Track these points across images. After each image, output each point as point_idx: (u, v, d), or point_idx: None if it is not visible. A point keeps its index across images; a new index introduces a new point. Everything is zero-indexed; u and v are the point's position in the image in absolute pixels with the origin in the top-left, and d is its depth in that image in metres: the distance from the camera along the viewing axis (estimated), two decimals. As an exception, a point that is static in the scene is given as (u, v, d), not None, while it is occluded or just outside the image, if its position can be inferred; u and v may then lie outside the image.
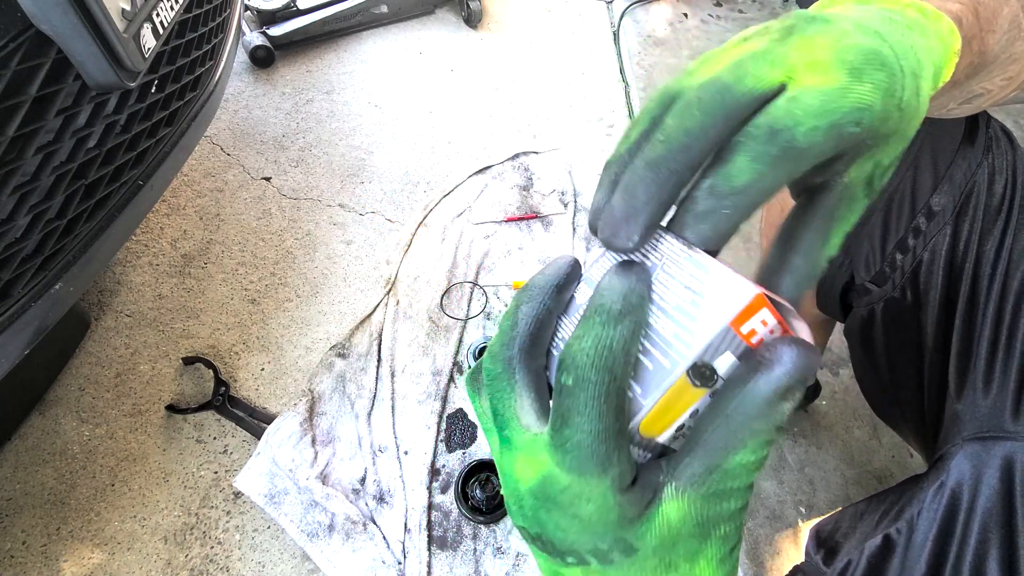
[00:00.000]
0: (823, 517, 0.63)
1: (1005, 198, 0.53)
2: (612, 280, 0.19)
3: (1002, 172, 0.53)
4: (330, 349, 1.01)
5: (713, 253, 0.21)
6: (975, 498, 0.46)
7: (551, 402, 0.20)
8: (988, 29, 0.32)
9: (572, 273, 0.22)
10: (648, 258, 0.21)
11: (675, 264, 0.20)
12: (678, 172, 0.19)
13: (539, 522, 0.20)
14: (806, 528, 0.95)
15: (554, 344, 0.23)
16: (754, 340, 0.19)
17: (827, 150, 0.19)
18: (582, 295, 0.23)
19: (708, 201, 0.20)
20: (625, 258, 0.22)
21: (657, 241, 0.22)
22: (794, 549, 0.93)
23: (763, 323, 0.19)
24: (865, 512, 0.57)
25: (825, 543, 0.58)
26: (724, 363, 0.19)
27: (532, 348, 0.21)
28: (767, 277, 0.23)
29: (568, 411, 0.18)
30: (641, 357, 0.19)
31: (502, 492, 0.22)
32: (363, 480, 0.88)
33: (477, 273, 1.15)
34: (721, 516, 0.19)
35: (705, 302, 0.19)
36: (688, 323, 0.19)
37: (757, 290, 0.19)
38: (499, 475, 0.22)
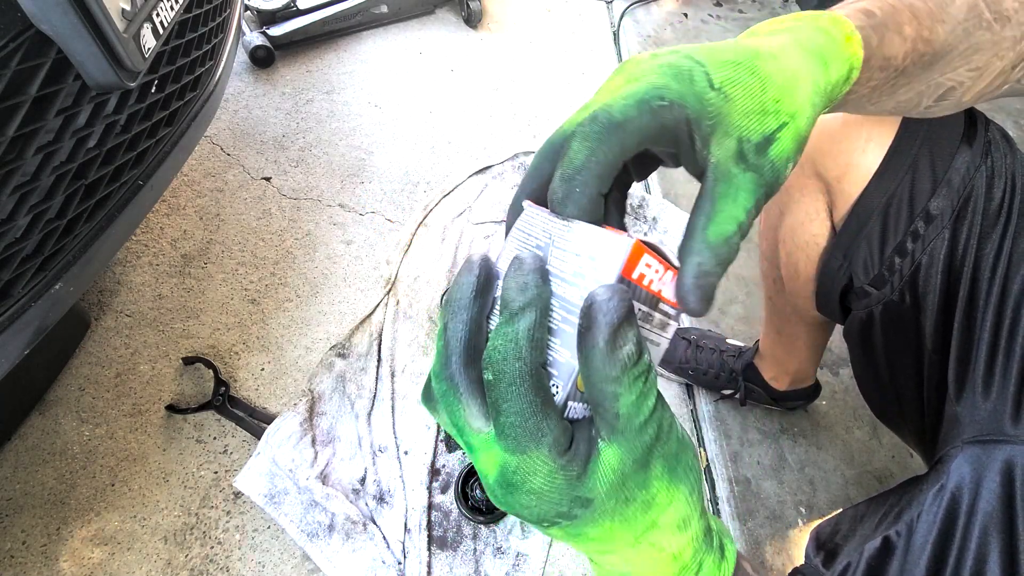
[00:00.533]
0: (823, 519, 0.63)
1: (1004, 202, 0.53)
2: (508, 280, 0.21)
3: (1001, 176, 0.53)
4: (330, 349, 1.01)
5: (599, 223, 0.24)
6: (975, 501, 0.46)
7: None
8: (937, 19, 0.34)
9: (486, 276, 0.23)
10: (541, 239, 0.24)
11: (563, 239, 0.23)
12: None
13: (510, 505, 0.22)
14: (807, 529, 0.95)
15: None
16: (647, 283, 0.23)
17: (647, 123, 0.23)
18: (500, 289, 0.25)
19: (561, 186, 0.24)
20: (521, 251, 0.24)
21: (548, 223, 0.24)
22: (794, 549, 0.93)
23: (648, 266, 0.23)
24: (865, 514, 0.57)
25: (824, 545, 0.58)
26: None
27: (468, 359, 0.22)
28: (679, 259, 0.25)
29: (496, 402, 0.21)
30: (562, 326, 0.22)
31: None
32: (363, 480, 0.88)
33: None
34: (646, 442, 0.22)
35: (595, 263, 0.22)
36: (587, 284, 0.22)
37: (633, 239, 0.22)
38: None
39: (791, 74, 0.26)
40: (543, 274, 0.22)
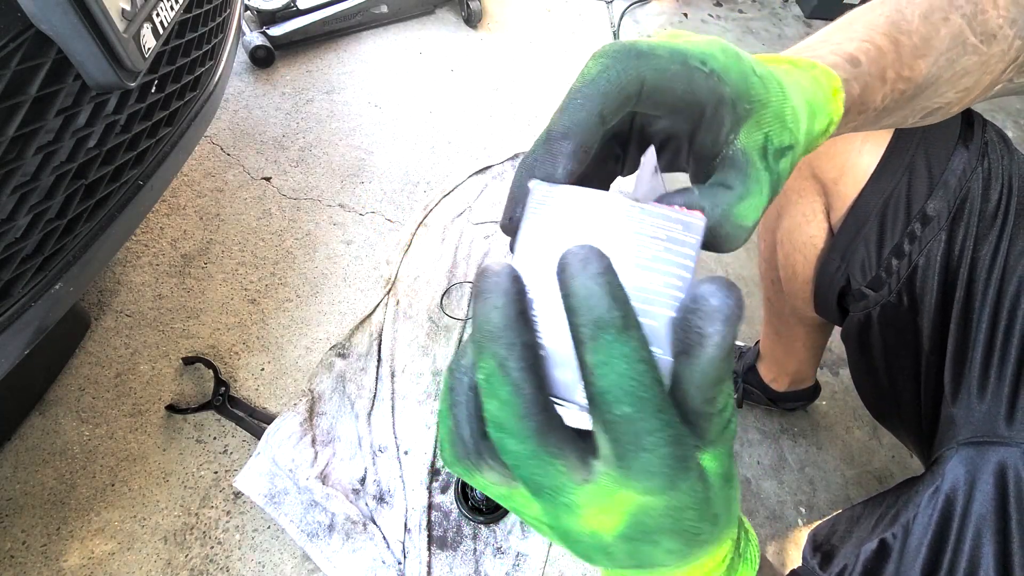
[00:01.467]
0: (822, 520, 0.63)
1: (1001, 203, 0.53)
2: (578, 285, 0.17)
3: (998, 177, 0.53)
4: (330, 349, 1.01)
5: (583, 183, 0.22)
6: (969, 503, 0.46)
7: (596, 437, 0.19)
8: (919, 55, 0.34)
9: (520, 294, 0.19)
10: (579, 221, 0.21)
11: (625, 218, 0.20)
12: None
13: (641, 558, 0.19)
14: (807, 529, 0.95)
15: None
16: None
17: (678, 74, 0.21)
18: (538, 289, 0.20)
19: (569, 102, 0.22)
20: (560, 239, 0.20)
21: (590, 200, 0.21)
22: (794, 549, 0.93)
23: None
24: (862, 516, 0.57)
25: (821, 547, 0.58)
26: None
27: (546, 405, 0.18)
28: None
29: (634, 438, 0.17)
30: (643, 321, 0.19)
31: (574, 555, 0.20)
32: (363, 480, 0.88)
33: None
34: (729, 440, 0.20)
35: (673, 247, 0.20)
36: (667, 269, 0.20)
37: (704, 219, 0.20)
38: (559, 544, 0.20)
39: (798, 105, 0.25)
40: (614, 275, 0.18)
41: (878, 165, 0.56)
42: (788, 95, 0.25)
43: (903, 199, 0.55)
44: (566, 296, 0.17)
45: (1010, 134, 1.77)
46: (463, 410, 0.20)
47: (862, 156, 0.57)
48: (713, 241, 0.23)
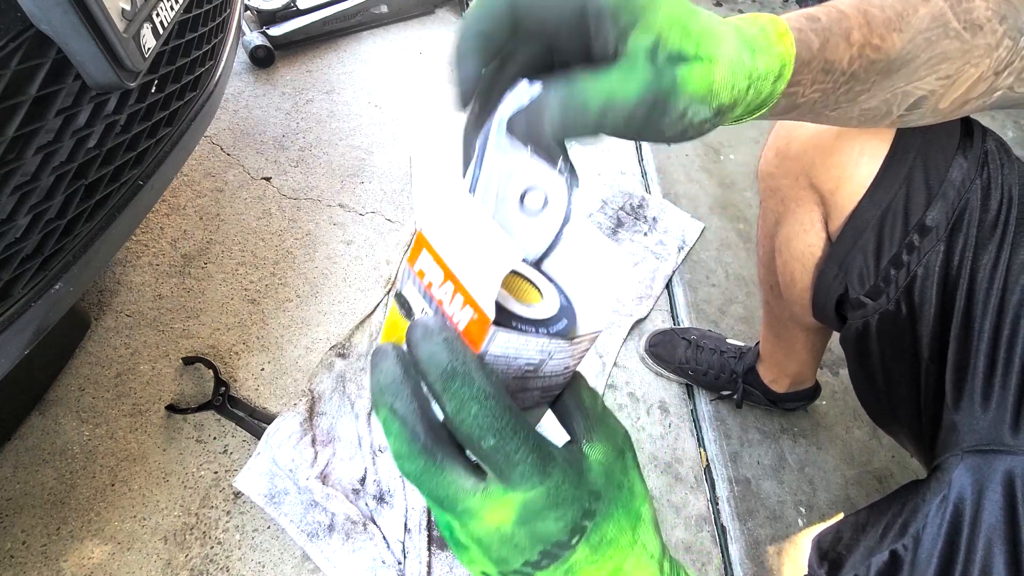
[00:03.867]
0: (823, 525, 0.63)
1: (1000, 213, 0.52)
2: (421, 349, 0.21)
3: (997, 187, 0.53)
4: (330, 349, 1.01)
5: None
6: (978, 513, 0.46)
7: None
8: (893, 27, 0.34)
9: (402, 357, 0.22)
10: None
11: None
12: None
13: (538, 534, 0.22)
14: (807, 529, 0.95)
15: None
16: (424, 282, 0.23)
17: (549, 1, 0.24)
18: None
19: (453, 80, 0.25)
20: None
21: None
22: (794, 549, 0.93)
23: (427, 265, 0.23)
24: (867, 523, 0.57)
25: (827, 555, 0.58)
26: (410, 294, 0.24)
27: (429, 428, 0.22)
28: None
29: (505, 454, 0.21)
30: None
31: (472, 563, 0.24)
32: (363, 480, 0.88)
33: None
34: (619, 433, 0.27)
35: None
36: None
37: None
38: (465, 550, 0.23)
39: (720, 31, 0.27)
40: (454, 334, 0.21)
41: (876, 176, 0.56)
42: (697, 14, 0.26)
43: (901, 210, 0.55)
44: (415, 366, 0.21)
45: (1010, 134, 1.77)
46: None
47: (860, 167, 0.57)
48: (559, 121, 0.24)
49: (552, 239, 0.26)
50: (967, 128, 0.55)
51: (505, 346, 0.22)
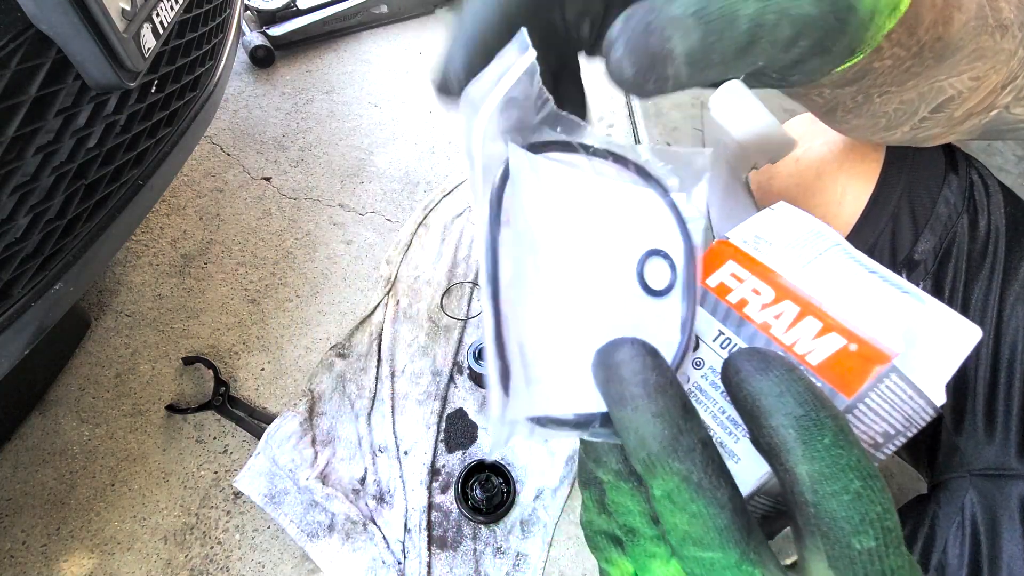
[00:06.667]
0: None
1: (989, 243, 0.52)
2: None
3: (984, 217, 0.52)
4: (330, 349, 1.01)
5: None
6: (996, 541, 0.45)
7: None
8: (955, 5, 0.30)
9: (668, 377, 0.16)
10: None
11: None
12: None
13: None
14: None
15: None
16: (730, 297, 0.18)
17: None
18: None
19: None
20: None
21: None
22: (794, 549, 0.93)
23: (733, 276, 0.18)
24: None
25: None
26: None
27: (743, 509, 0.16)
28: None
29: (882, 570, 0.15)
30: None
31: None
32: (363, 480, 0.88)
33: (477, 273, 1.15)
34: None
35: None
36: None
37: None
38: None
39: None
40: (801, 372, 0.15)
41: (861, 215, 0.54)
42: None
43: (888, 247, 0.54)
44: (752, 397, 0.15)
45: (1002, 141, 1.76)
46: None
47: (844, 206, 0.56)
48: (699, 41, 0.16)
49: None
50: (951, 158, 0.54)
51: (889, 396, 0.16)
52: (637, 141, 1.51)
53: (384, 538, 0.83)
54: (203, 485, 0.87)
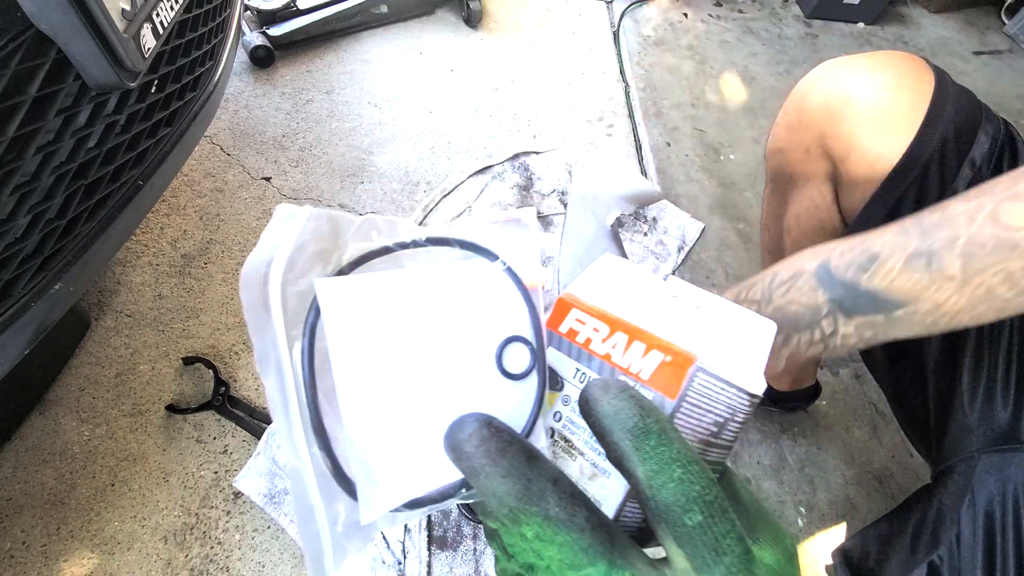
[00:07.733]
0: (823, 526, 0.62)
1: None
2: (605, 405, 0.18)
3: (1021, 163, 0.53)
4: (330, 349, 1.01)
5: None
6: (1012, 516, 0.45)
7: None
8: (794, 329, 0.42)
9: (506, 438, 0.18)
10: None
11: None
12: None
13: None
14: (807, 529, 0.95)
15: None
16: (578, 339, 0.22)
17: None
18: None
19: None
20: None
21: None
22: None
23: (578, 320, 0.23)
24: (890, 535, 0.56)
25: (859, 569, 0.56)
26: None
27: (604, 525, 0.18)
28: None
29: (713, 543, 0.17)
30: None
31: None
32: (363, 480, 0.88)
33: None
34: (786, 546, 0.21)
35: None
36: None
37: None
38: None
39: None
40: (636, 391, 0.18)
41: (895, 168, 0.54)
42: None
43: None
44: (597, 419, 0.18)
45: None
46: None
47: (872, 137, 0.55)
48: None
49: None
50: (986, 111, 0.54)
51: (703, 391, 0.20)
52: (637, 141, 1.51)
53: (384, 538, 0.83)
54: (203, 485, 0.87)
